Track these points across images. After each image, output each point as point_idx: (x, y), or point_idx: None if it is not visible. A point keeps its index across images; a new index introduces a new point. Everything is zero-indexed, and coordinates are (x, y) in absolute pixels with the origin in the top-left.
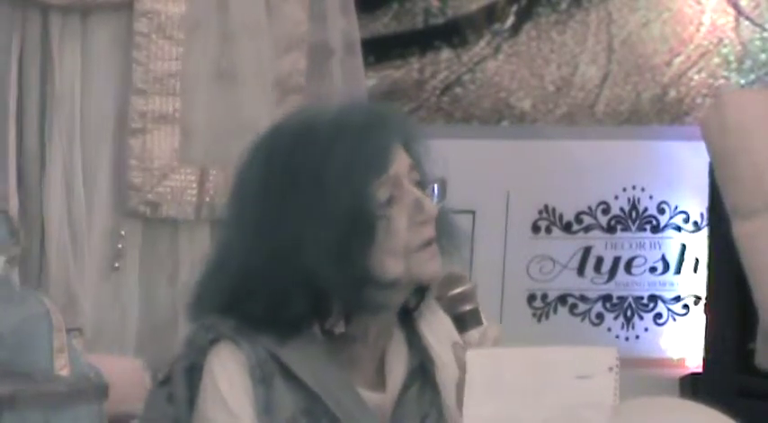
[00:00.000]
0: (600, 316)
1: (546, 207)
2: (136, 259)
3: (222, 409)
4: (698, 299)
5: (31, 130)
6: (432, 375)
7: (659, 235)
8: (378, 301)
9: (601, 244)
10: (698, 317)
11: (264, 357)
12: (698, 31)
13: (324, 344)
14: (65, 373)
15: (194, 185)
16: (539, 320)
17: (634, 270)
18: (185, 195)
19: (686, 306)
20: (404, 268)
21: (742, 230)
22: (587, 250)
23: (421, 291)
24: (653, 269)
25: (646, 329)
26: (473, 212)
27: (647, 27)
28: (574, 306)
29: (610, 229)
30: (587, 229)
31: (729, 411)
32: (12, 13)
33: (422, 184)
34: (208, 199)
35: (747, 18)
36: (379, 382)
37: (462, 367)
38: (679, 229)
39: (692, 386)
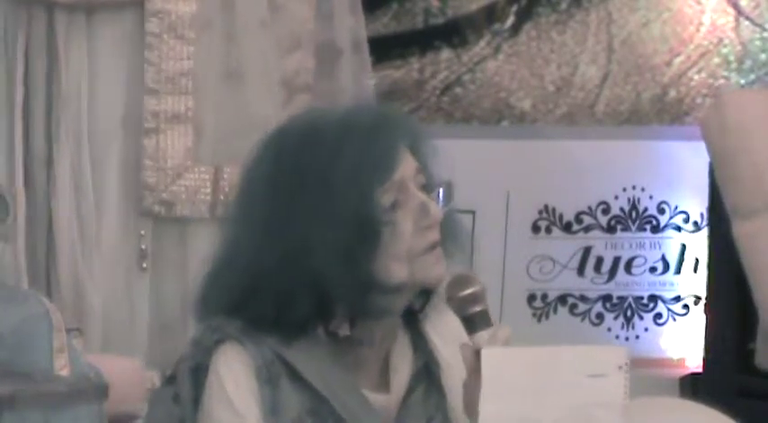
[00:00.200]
0: (600, 316)
1: (546, 207)
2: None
3: (228, 410)
4: (698, 299)
5: (38, 130)
6: (437, 377)
7: (659, 235)
8: (382, 306)
9: (601, 244)
10: (698, 317)
11: (270, 358)
12: (698, 31)
13: (328, 345)
14: (65, 373)
15: (208, 184)
16: (539, 320)
17: (634, 270)
18: (199, 194)
19: (686, 306)
20: (408, 272)
21: (742, 230)
22: (587, 250)
23: (426, 293)
24: (653, 269)
25: (646, 329)
26: (473, 212)
27: (647, 27)
28: (574, 306)
29: (610, 229)
30: (587, 229)
31: (729, 411)
32: (17, 12)
33: (428, 188)
34: (222, 197)
35: (747, 18)
36: (384, 383)
37: (470, 368)
38: (679, 229)
39: (692, 386)
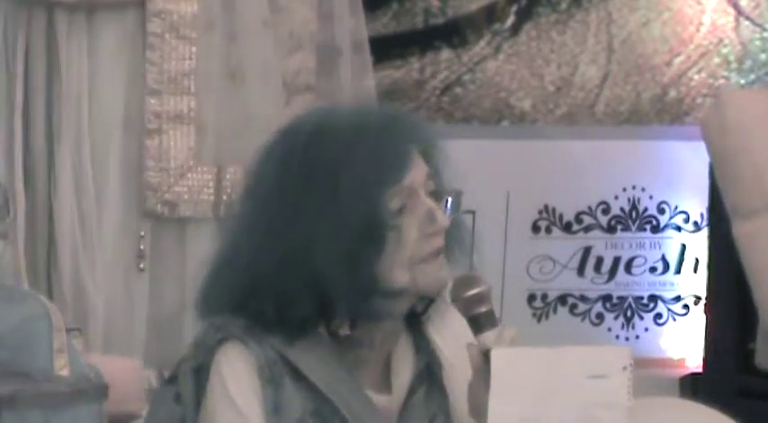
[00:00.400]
0: (600, 316)
1: (546, 207)
2: (146, 258)
3: (231, 409)
4: (698, 299)
5: (38, 130)
6: (439, 378)
7: (659, 235)
8: (383, 309)
9: (601, 244)
10: (698, 317)
11: (273, 358)
12: (698, 31)
13: (330, 345)
14: (65, 373)
15: (211, 184)
16: (539, 320)
17: (634, 270)
18: (202, 194)
19: (686, 306)
20: (410, 278)
21: (742, 230)
22: (587, 250)
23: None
24: (653, 269)
25: (646, 329)
26: (473, 212)
27: (647, 27)
28: (574, 306)
29: (610, 229)
30: (587, 229)
31: (729, 411)
32: (17, 12)
33: (437, 194)
34: (225, 197)
35: (747, 18)
36: (385, 384)
37: (476, 368)
38: (679, 229)
39: (692, 386)
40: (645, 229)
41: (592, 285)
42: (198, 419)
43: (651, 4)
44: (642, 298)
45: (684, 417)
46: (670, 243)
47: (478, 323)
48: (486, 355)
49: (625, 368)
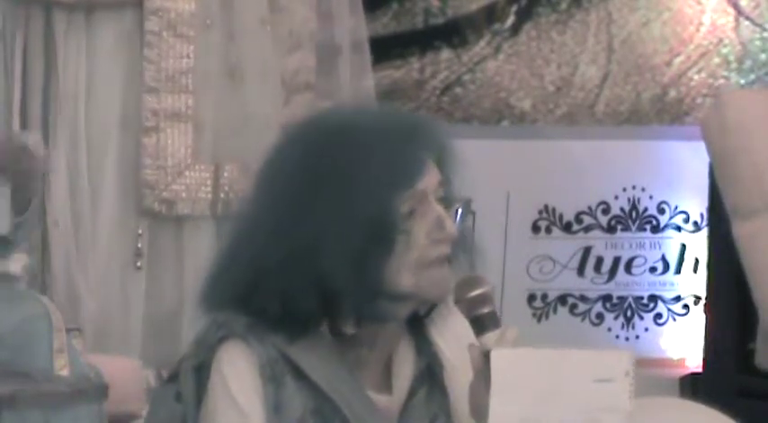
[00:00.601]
0: (600, 316)
1: (546, 207)
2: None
3: (232, 408)
4: (698, 299)
5: (35, 129)
6: (440, 378)
7: (659, 235)
8: (385, 311)
9: (601, 244)
10: (698, 317)
11: (275, 356)
12: (698, 31)
13: (331, 345)
14: (65, 373)
15: (209, 182)
16: (539, 320)
17: (634, 270)
18: (200, 192)
19: (686, 306)
20: (414, 282)
21: (742, 230)
22: (587, 250)
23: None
24: (653, 269)
25: (646, 329)
26: (473, 213)
27: (647, 27)
28: (574, 306)
29: (610, 229)
30: (587, 229)
31: (729, 411)
32: (15, 11)
33: (446, 201)
34: (222, 195)
35: (747, 18)
36: (385, 384)
37: (477, 369)
38: (679, 229)
39: (692, 386)
40: (645, 229)
41: (592, 285)
42: (199, 418)
43: (651, 4)
44: (642, 298)
45: (684, 417)
46: (670, 243)
47: (481, 324)
48: (487, 356)
49: (627, 373)
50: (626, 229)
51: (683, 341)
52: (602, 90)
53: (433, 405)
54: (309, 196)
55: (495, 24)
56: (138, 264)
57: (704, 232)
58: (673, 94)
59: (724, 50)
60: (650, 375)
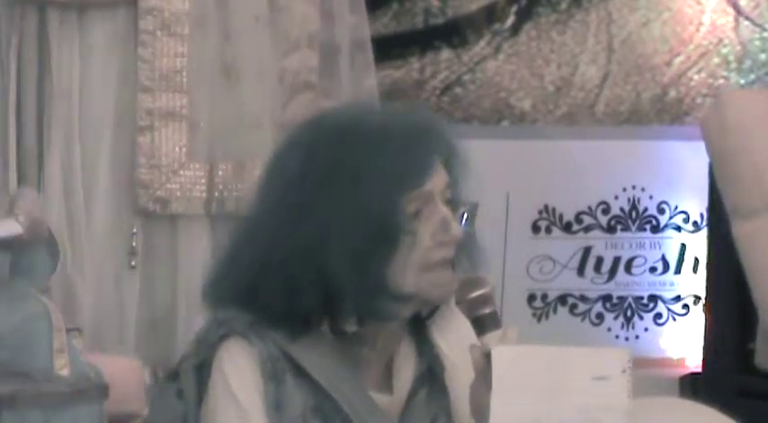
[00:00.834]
0: (600, 316)
1: (546, 207)
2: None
3: (232, 405)
4: (698, 299)
5: (30, 128)
6: (440, 379)
7: (659, 235)
8: (387, 311)
9: (601, 244)
10: (698, 317)
11: (276, 354)
12: (698, 31)
13: (332, 343)
14: (65, 373)
15: (203, 181)
16: (539, 320)
17: (634, 270)
18: (194, 191)
19: (686, 306)
20: (415, 283)
21: (742, 230)
22: (587, 250)
23: None
24: (653, 269)
25: (646, 329)
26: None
27: (647, 27)
28: (574, 306)
29: (610, 229)
30: (587, 229)
31: (729, 411)
32: (9, 10)
33: (452, 203)
34: (217, 194)
35: (747, 18)
36: (386, 384)
37: (478, 369)
38: (679, 229)
39: (692, 386)
40: (645, 229)
41: (592, 285)
42: (200, 416)
43: (651, 4)
44: (642, 298)
45: (684, 417)
46: (670, 243)
47: (482, 324)
48: (488, 356)
49: (624, 371)
50: (626, 229)
51: (682, 341)
52: (602, 90)
53: (434, 405)
54: (315, 193)
55: (495, 24)
56: (133, 263)
57: (704, 232)
58: (673, 94)
59: (724, 50)
60: (650, 375)
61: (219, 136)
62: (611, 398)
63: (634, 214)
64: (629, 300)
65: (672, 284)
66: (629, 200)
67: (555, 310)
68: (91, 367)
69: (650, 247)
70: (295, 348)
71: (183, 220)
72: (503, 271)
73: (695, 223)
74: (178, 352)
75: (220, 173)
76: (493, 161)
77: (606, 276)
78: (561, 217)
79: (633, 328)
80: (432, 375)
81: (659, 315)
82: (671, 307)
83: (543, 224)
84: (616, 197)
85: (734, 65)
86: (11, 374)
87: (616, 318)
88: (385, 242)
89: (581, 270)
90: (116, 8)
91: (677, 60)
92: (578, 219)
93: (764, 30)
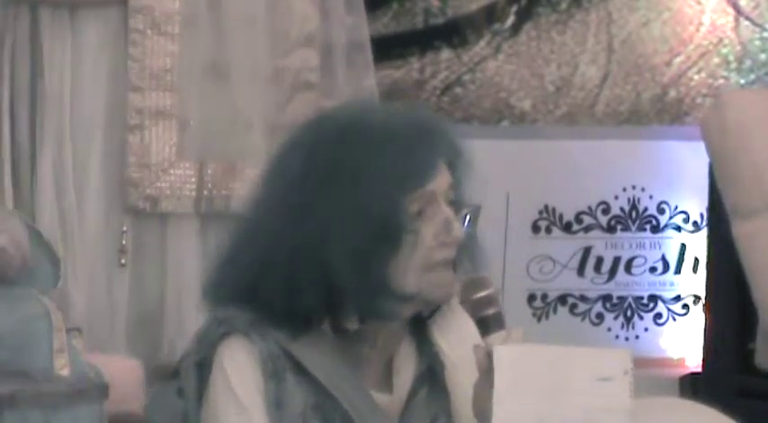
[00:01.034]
0: (600, 316)
1: (546, 207)
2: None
3: (232, 403)
4: (698, 299)
5: (23, 128)
6: (441, 378)
7: (659, 235)
8: (388, 310)
9: (601, 244)
10: (698, 317)
11: (276, 352)
12: (698, 31)
13: (333, 342)
14: (65, 373)
15: (193, 180)
16: (539, 320)
17: (634, 270)
18: (184, 190)
19: (686, 306)
20: (416, 283)
21: (742, 230)
22: (587, 250)
23: None
24: (653, 269)
25: (646, 329)
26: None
27: (647, 27)
28: (574, 306)
29: (610, 229)
30: (587, 229)
31: (729, 411)
32: (3, 11)
33: (455, 204)
34: (206, 192)
35: (747, 18)
36: (386, 384)
37: (482, 370)
38: (679, 229)
39: (692, 386)
40: (645, 229)
41: (592, 285)
42: (200, 414)
43: (651, 4)
44: (642, 298)
45: (684, 417)
46: (670, 243)
47: (486, 325)
48: (491, 356)
49: (626, 372)
50: (626, 229)
51: (682, 341)
52: (602, 90)
53: (434, 405)
54: (316, 193)
55: (495, 24)
56: (123, 261)
57: (704, 232)
58: (673, 94)
59: (724, 50)
60: (650, 375)
61: (210, 135)
62: (614, 398)
63: (634, 214)
64: (629, 300)
65: (672, 284)
66: (629, 200)
67: (555, 310)
68: (91, 367)
69: (650, 247)
70: (296, 347)
71: (173, 218)
72: (503, 271)
73: (695, 223)
74: (166, 349)
75: (210, 172)
76: (493, 161)
77: (606, 276)
78: (561, 217)
79: (633, 328)
80: (432, 375)
81: (659, 315)
82: (671, 307)
83: (543, 224)
84: (616, 197)
85: (734, 65)
86: (11, 374)
87: (616, 318)
88: (386, 242)
89: (581, 270)
90: (107, 7)
91: (677, 60)
92: (578, 219)
93: (764, 30)
